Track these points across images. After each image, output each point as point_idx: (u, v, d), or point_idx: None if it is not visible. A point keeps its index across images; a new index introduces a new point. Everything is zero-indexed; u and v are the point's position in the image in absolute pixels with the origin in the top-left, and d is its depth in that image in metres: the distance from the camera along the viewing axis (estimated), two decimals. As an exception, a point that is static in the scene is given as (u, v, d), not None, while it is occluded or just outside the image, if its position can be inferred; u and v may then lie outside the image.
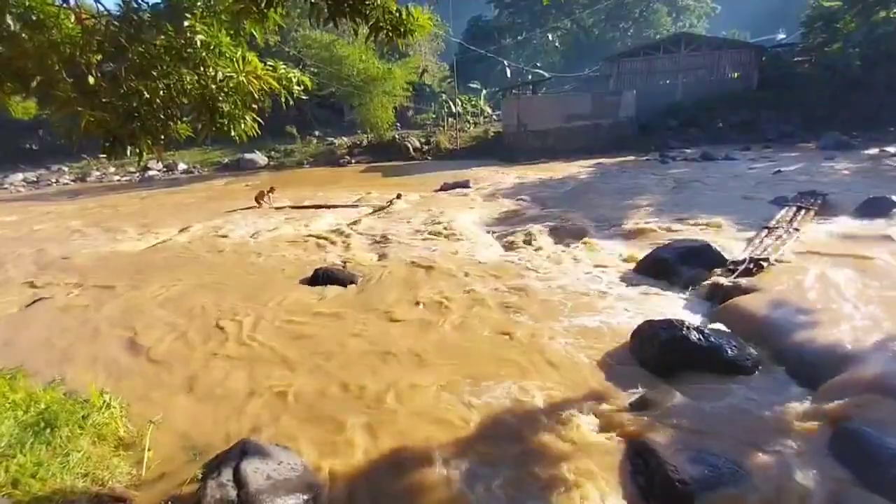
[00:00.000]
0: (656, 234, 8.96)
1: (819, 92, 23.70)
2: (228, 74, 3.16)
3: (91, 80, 2.84)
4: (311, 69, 23.60)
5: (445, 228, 10.38)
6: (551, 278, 7.03)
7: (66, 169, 27.70)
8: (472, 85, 34.52)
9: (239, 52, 3.24)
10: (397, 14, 2.91)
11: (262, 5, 2.75)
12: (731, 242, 7.98)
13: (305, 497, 3.13)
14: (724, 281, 6.15)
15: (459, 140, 27.82)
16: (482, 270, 7.58)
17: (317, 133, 30.98)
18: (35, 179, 25.93)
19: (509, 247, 9.03)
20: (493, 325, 5.67)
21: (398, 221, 11.63)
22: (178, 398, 4.57)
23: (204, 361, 5.26)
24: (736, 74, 27.27)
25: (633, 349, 4.81)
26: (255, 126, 3.49)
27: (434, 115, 31.78)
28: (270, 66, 3.39)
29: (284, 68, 3.47)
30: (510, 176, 18.39)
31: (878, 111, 21.73)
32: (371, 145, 28.04)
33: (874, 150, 17.69)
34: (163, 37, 2.99)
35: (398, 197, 14.33)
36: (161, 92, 3.04)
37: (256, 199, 14.50)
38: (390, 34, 2.98)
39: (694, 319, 5.29)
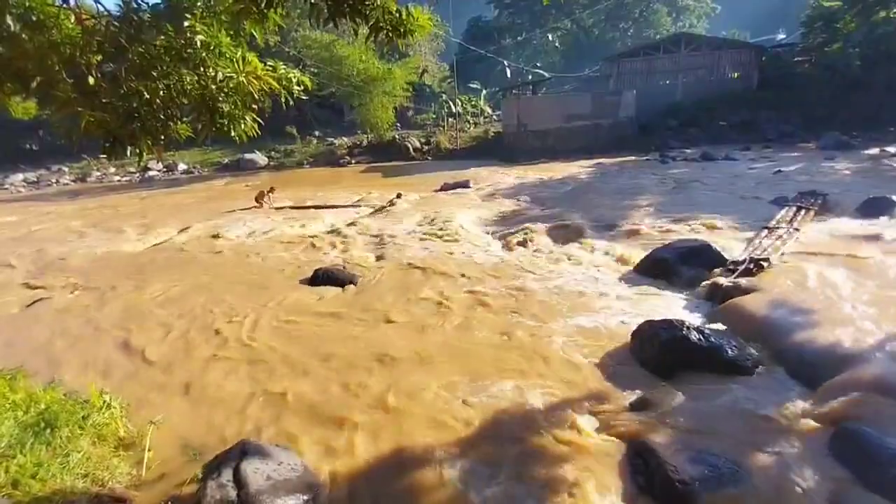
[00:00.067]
0: (656, 235, 8.96)
1: (819, 92, 23.70)
2: (228, 75, 3.16)
3: (91, 80, 2.84)
4: (311, 69, 23.61)
5: (445, 229, 10.37)
6: (551, 279, 7.03)
7: (66, 169, 27.72)
8: (472, 85, 34.53)
9: (239, 53, 3.24)
10: (397, 14, 2.91)
11: (262, 6, 2.76)
12: (732, 242, 7.98)
13: (305, 497, 3.13)
14: (724, 281, 6.15)
15: (459, 140, 27.83)
16: (482, 271, 7.58)
17: (317, 133, 31.00)
18: (35, 180, 25.95)
19: (509, 247, 9.03)
20: (493, 326, 5.67)
21: (398, 222, 11.63)
22: (179, 398, 4.57)
23: (204, 362, 5.26)
24: (736, 74, 27.28)
25: (633, 349, 4.81)
26: (255, 126, 3.49)
27: (434, 116, 31.79)
28: (270, 66, 3.39)
29: (284, 68, 3.47)
30: (510, 176, 18.39)
31: (878, 111, 21.74)
32: (371, 145, 28.05)
33: (874, 150, 17.69)
34: (163, 37, 3.00)
35: (398, 197, 14.33)
36: (161, 92, 3.05)
37: (256, 200, 14.51)
38: (390, 34, 2.98)
39: (694, 319, 5.28)
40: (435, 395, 4.35)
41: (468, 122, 30.89)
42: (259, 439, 3.66)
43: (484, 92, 33.93)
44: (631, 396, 4.12)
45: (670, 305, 5.97)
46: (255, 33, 3.22)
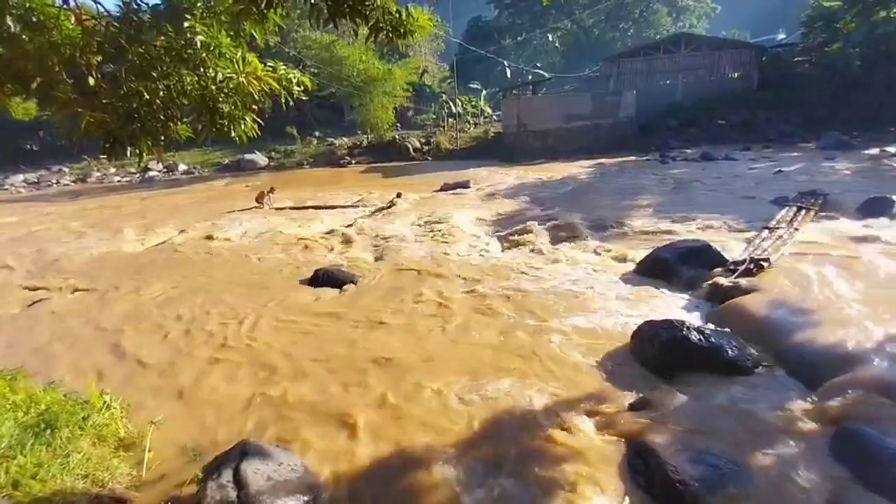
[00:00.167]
0: (656, 235, 8.95)
1: (819, 92, 23.70)
2: (228, 75, 3.17)
3: (91, 81, 2.85)
4: (311, 70, 23.63)
5: (445, 229, 10.38)
6: (550, 279, 7.03)
7: (66, 170, 27.75)
8: (472, 85, 34.54)
9: (239, 53, 3.25)
10: (397, 15, 2.91)
11: (262, 6, 2.76)
12: (732, 243, 7.98)
13: (305, 498, 3.12)
14: (724, 281, 6.14)
15: (459, 140, 27.83)
16: (481, 271, 7.58)
17: (317, 134, 31.01)
18: (35, 180, 25.98)
19: (509, 247, 9.03)
20: (493, 326, 5.67)
21: (398, 222, 11.63)
22: (179, 399, 4.57)
23: (204, 362, 5.26)
24: (736, 74, 27.28)
25: (633, 349, 4.80)
26: (255, 127, 3.49)
27: (434, 116, 31.80)
28: (270, 66, 3.39)
29: (284, 69, 3.47)
30: (510, 176, 18.39)
31: (878, 111, 21.73)
32: (371, 146, 28.06)
33: (874, 150, 17.68)
34: (163, 38, 3.00)
35: (398, 196, 14.34)
36: (161, 93, 3.05)
37: (257, 200, 14.52)
38: (390, 35, 2.98)
39: (694, 320, 5.28)
40: (435, 395, 4.35)
41: (468, 122, 30.90)
42: (259, 440, 3.66)
43: (484, 92, 33.95)
44: (631, 396, 4.11)
45: (670, 305, 5.96)
46: (255, 34, 3.23)
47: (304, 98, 3.78)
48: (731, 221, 9.41)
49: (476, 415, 4.01)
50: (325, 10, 2.81)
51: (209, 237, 11.00)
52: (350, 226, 11.57)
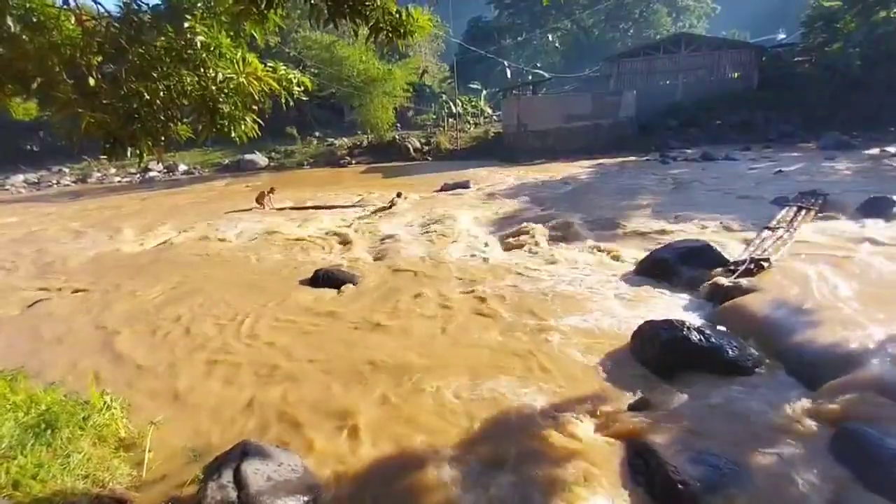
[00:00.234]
0: (656, 235, 8.95)
1: (819, 92, 23.69)
2: (229, 76, 3.17)
3: (91, 81, 2.85)
4: (312, 70, 23.65)
5: (445, 229, 10.38)
6: (550, 279, 7.03)
7: (66, 170, 27.76)
8: (472, 85, 34.54)
9: (239, 54, 3.25)
10: (397, 15, 2.91)
11: (262, 6, 2.76)
12: (732, 243, 7.97)
13: (306, 498, 3.12)
14: (724, 281, 6.14)
15: (460, 140, 27.83)
16: (481, 271, 7.58)
17: (317, 134, 31.02)
18: (36, 181, 25.99)
19: (509, 247, 9.02)
20: (493, 326, 5.67)
21: (398, 222, 11.63)
22: (179, 399, 4.57)
23: (204, 362, 5.26)
24: (736, 74, 27.27)
25: (633, 350, 4.80)
26: (256, 127, 3.49)
27: (434, 116, 31.80)
28: (271, 67, 3.39)
29: (285, 69, 3.47)
30: (510, 176, 18.39)
31: (878, 111, 21.72)
32: (371, 146, 28.06)
33: (875, 150, 17.67)
34: (163, 38, 3.00)
35: (399, 196, 14.33)
36: (161, 93, 3.05)
37: (257, 200, 14.52)
38: (390, 35, 2.98)
39: (694, 320, 5.27)
40: (435, 395, 4.35)
41: (468, 122, 30.89)
42: (259, 440, 3.66)
43: (484, 92, 33.95)
44: (631, 397, 4.11)
45: (670, 306, 5.96)
46: (255, 34, 3.23)
47: (304, 98, 3.78)
48: (731, 221, 9.41)
49: (476, 415, 4.02)
50: (326, 11, 2.81)
51: (209, 238, 11.00)
52: (350, 226, 11.57)
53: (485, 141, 27.63)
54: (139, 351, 5.63)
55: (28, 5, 2.92)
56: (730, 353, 4.35)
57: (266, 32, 3.27)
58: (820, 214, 9.54)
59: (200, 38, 3.02)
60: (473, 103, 32.56)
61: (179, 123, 3.32)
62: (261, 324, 6.16)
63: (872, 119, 21.48)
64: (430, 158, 26.42)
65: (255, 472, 3.08)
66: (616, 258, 7.85)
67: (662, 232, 9.09)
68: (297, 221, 12.37)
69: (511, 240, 9.35)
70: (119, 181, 25.67)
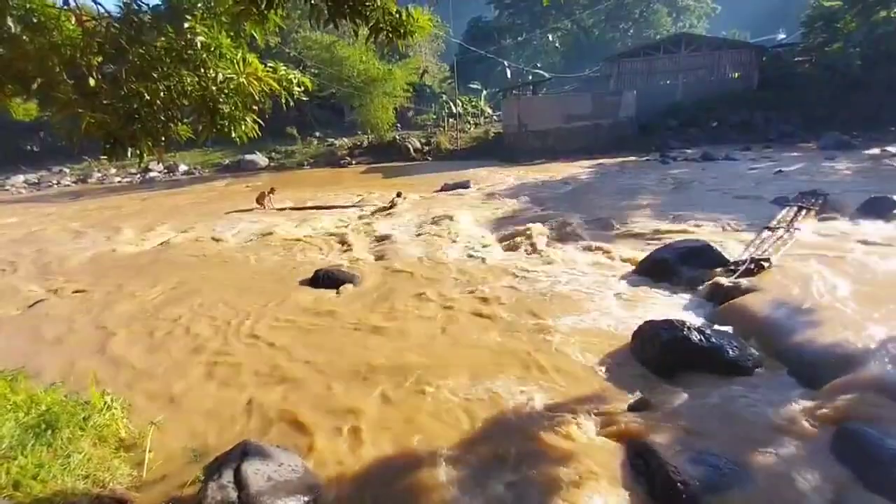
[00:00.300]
0: (656, 235, 8.95)
1: (819, 92, 23.68)
2: (229, 76, 3.17)
3: (92, 81, 2.85)
4: (312, 70, 23.67)
5: (445, 229, 10.38)
6: (550, 279, 7.03)
7: (67, 170, 27.77)
8: (472, 85, 34.54)
9: (239, 54, 3.25)
10: (397, 15, 2.91)
11: (263, 7, 2.76)
12: (732, 243, 7.96)
13: (306, 499, 3.13)
14: (724, 281, 6.14)
15: (460, 141, 27.83)
16: (481, 271, 7.58)
17: (317, 134, 31.02)
18: (36, 181, 26.01)
19: (509, 247, 9.02)
20: (493, 326, 5.67)
21: (398, 222, 11.63)
22: (179, 399, 4.57)
23: (204, 362, 5.26)
24: (736, 74, 27.26)
25: (633, 350, 4.80)
26: (256, 127, 3.50)
27: (434, 116, 31.81)
28: (271, 67, 3.39)
29: (285, 69, 3.48)
30: (510, 176, 18.39)
31: (878, 111, 21.71)
32: (371, 146, 28.06)
33: (875, 150, 17.67)
34: (163, 38, 3.00)
35: (399, 195, 14.33)
36: (161, 93, 3.05)
37: (257, 201, 14.53)
38: (390, 35, 2.98)
39: (695, 320, 5.27)
40: (435, 395, 4.35)
41: (468, 122, 30.89)
42: (260, 440, 3.66)
43: (484, 92, 33.94)
44: (632, 397, 4.11)
45: (671, 306, 5.96)
46: (255, 34, 3.23)
47: (304, 98, 3.79)
48: (731, 221, 9.41)
49: (476, 415, 4.01)
50: (326, 11, 2.81)
51: (209, 238, 11.00)
52: (350, 226, 11.57)
53: (485, 141, 27.63)
54: (139, 351, 5.64)
55: (28, 6, 2.93)
56: (730, 353, 4.35)
57: (266, 33, 3.27)
58: (820, 214, 9.53)
59: (201, 38, 3.03)
60: (473, 103, 32.56)
61: (180, 124, 3.32)
62: (261, 324, 6.16)
63: (872, 119, 21.47)
64: (430, 158, 26.42)
65: (256, 473, 3.08)
66: (616, 258, 7.84)
67: (662, 232, 9.09)
68: (298, 222, 12.37)
69: (511, 240, 9.35)
70: (119, 181, 25.68)
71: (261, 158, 27.55)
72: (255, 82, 3.23)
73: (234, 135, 3.35)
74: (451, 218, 11.23)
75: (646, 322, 4.93)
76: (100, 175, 26.84)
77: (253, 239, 10.82)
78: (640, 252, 7.70)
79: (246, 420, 4.18)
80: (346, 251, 9.47)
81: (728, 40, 31.12)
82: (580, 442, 3.60)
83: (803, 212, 9.42)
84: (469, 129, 30.05)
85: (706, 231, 8.99)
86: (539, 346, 5.11)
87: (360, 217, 12.70)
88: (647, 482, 3.18)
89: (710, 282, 6.26)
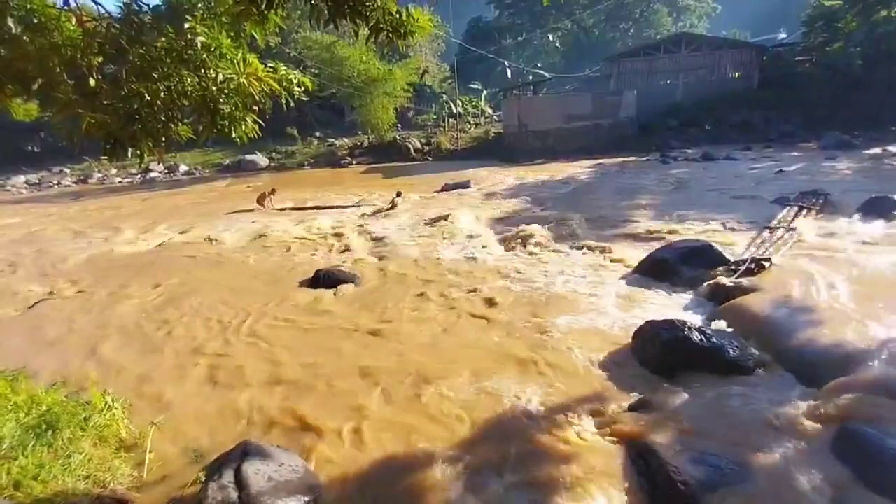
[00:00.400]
0: (657, 235, 8.95)
1: (820, 91, 23.67)
2: (229, 76, 3.17)
3: (92, 82, 2.85)
4: (312, 70, 23.69)
5: (445, 229, 10.38)
6: (550, 279, 7.02)
7: (67, 171, 27.81)
8: (472, 85, 34.55)
9: (240, 54, 3.25)
10: (397, 15, 2.91)
11: (263, 7, 2.76)
12: (733, 242, 7.96)
13: (306, 499, 3.12)
14: (725, 281, 6.13)
15: (460, 141, 27.83)
16: (482, 271, 7.58)
17: (317, 134, 31.04)
18: (37, 181, 26.04)
19: (509, 247, 9.01)
20: (493, 326, 5.67)
21: (398, 222, 11.63)
22: (179, 399, 4.57)
23: (205, 363, 5.26)
24: (737, 74, 27.24)
25: (634, 350, 4.80)
26: (256, 127, 3.50)
27: (435, 116, 31.82)
28: (271, 67, 3.40)
29: (285, 70, 3.48)
30: (510, 176, 18.39)
31: (879, 110, 21.69)
32: (372, 146, 28.08)
33: (876, 150, 17.65)
34: (163, 39, 3.01)
35: (399, 196, 14.33)
36: (162, 94, 3.06)
37: (258, 201, 14.53)
38: (390, 35, 2.98)
39: (695, 320, 5.27)
40: (435, 395, 4.35)
41: (469, 122, 30.90)
42: (260, 440, 3.66)
43: (484, 92, 33.95)
44: (632, 397, 4.10)
45: (671, 305, 5.95)
46: (255, 35, 3.23)
47: (304, 99, 3.79)
48: (731, 221, 9.40)
49: (476, 415, 4.01)
50: (326, 11, 2.81)
51: (210, 238, 11.01)
52: (350, 226, 11.57)
53: (485, 141, 27.64)
54: (139, 352, 5.64)
55: (29, 6, 2.93)
56: (731, 353, 4.35)
57: (266, 33, 3.27)
58: (821, 214, 9.53)
59: (201, 38, 3.03)
60: (474, 103, 32.57)
61: (180, 124, 3.33)
62: (261, 324, 6.16)
63: (873, 118, 21.45)
64: (430, 158, 26.42)
65: (256, 473, 3.08)
66: (616, 258, 7.83)
67: (663, 232, 9.08)
68: (298, 222, 12.37)
69: (511, 240, 9.34)
70: (120, 182, 25.71)
71: (261, 158, 27.56)
72: (256, 82, 3.23)
73: (234, 135, 3.36)
74: (451, 218, 11.23)
75: (646, 322, 4.92)
76: (100, 175, 26.87)
77: (253, 239, 10.82)
78: (641, 252, 7.69)
79: (246, 420, 4.18)
80: (346, 251, 9.47)
81: (729, 40, 31.11)
82: (580, 442, 3.60)
83: (804, 211, 9.42)
84: (469, 129, 30.06)
85: (706, 231, 8.98)
86: (539, 346, 5.10)
87: (361, 217, 12.70)
88: (647, 482, 3.17)
89: (711, 282, 6.25)
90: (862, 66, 23.12)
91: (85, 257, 10.01)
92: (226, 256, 9.56)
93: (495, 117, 32.33)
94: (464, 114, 30.67)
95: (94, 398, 3.87)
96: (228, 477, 3.04)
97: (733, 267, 6.58)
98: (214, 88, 3.16)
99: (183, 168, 27.45)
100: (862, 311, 5.05)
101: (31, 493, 2.94)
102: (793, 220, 8.87)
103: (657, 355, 4.48)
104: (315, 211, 13.90)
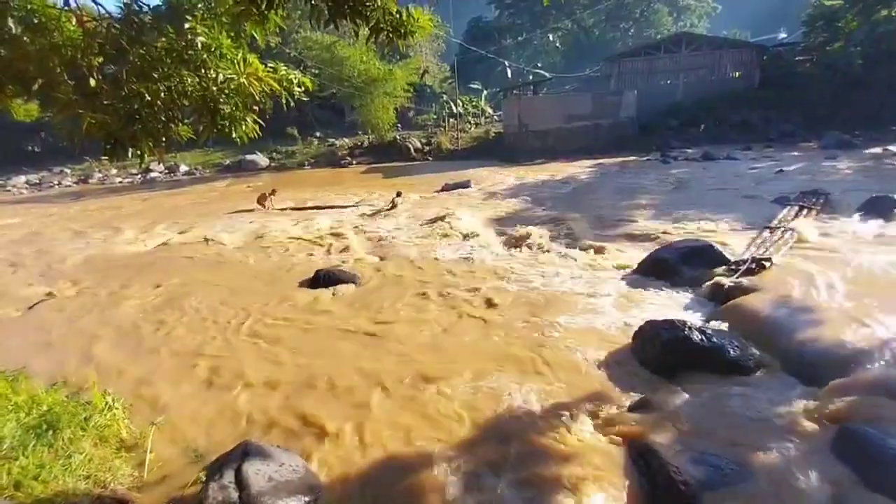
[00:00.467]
0: (657, 235, 8.94)
1: (820, 91, 23.66)
2: (229, 76, 3.17)
3: (92, 82, 2.86)
4: (312, 70, 23.70)
5: (445, 229, 10.37)
6: (551, 279, 7.02)
7: (68, 171, 27.82)
8: (472, 85, 34.56)
9: (240, 54, 3.25)
10: (397, 15, 2.91)
11: (263, 7, 2.76)
12: (733, 242, 7.96)
13: (307, 499, 3.13)
14: (725, 281, 6.13)
15: (460, 141, 27.83)
16: (482, 271, 7.58)
17: (318, 134, 31.04)
18: (37, 181, 26.06)
19: (509, 248, 9.01)
20: (493, 326, 5.66)
21: (399, 222, 11.64)
22: (180, 399, 4.57)
23: (204, 363, 5.26)
24: (737, 74, 27.23)
25: (634, 350, 4.80)
26: (256, 127, 3.50)
27: (435, 116, 31.81)
28: (271, 67, 3.40)
29: (285, 70, 3.48)
30: (511, 176, 18.39)
31: (879, 110, 21.68)
32: (372, 146, 28.08)
33: (876, 150, 17.64)
34: (164, 39, 3.01)
35: (399, 196, 14.32)
36: (162, 94, 3.06)
37: (258, 201, 14.53)
38: (391, 35, 2.98)
39: (696, 320, 5.27)
40: (435, 395, 4.35)
41: (469, 122, 30.90)
42: (261, 440, 3.66)
43: (485, 92, 33.95)
44: (632, 397, 4.10)
45: (671, 305, 5.95)
46: (255, 35, 3.23)
47: (304, 99, 3.79)
48: (732, 221, 9.40)
49: (477, 415, 4.01)
50: (326, 11, 2.81)
51: (210, 238, 11.00)
52: (351, 226, 11.56)
53: (485, 141, 27.63)
54: (140, 352, 5.64)
55: (29, 7, 2.93)
56: (731, 352, 4.35)
57: (267, 33, 3.27)
58: (821, 214, 9.52)
59: (201, 38, 3.03)
60: (474, 103, 32.56)
61: (180, 124, 3.33)
62: (261, 324, 6.16)
63: (874, 118, 21.44)
64: (430, 158, 26.42)
65: (257, 473, 3.08)
66: (616, 258, 7.83)
67: (663, 231, 9.08)
68: (298, 222, 12.37)
69: (511, 240, 9.35)
70: (120, 182, 25.72)
71: (261, 159, 27.57)
72: (256, 82, 3.23)
73: (234, 135, 3.36)
74: (451, 218, 11.22)
75: (646, 322, 4.92)
76: (101, 175, 26.88)
77: (253, 239, 10.82)
78: (641, 252, 7.70)
79: (246, 420, 4.18)
80: (346, 251, 9.47)
81: (729, 40, 31.09)
82: (581, 442, 3.60)
83: (804, 211, 9.42)
84: (469, 129, 30.06)
85: (707, 230, 8.98)
86: (539, 346, 5.10)
87: (361, 217, 12.70)
88: (648, 482, 3.17)
89: (711, 281, 6.25)
90: (862, 66, 23.10)
91: (85, 257, 10.01)
92: (226, 256, 9.56)
93: (495, 117, 32.33)
94: (464, 114, 30.67)
95: (95, 398, 3.87)
96: (229, 477, 3.04)
97: (734, 267, 6.58)
98: (215, 88, 3.16)
99: (183, 168, 27.46)
100: (862, 311, 5.05)
101: (31, 493, 2.94)
102: (793, 219, 8.86)
103: (657, 355, 4.48)
104: (315, 211, 13.90)
